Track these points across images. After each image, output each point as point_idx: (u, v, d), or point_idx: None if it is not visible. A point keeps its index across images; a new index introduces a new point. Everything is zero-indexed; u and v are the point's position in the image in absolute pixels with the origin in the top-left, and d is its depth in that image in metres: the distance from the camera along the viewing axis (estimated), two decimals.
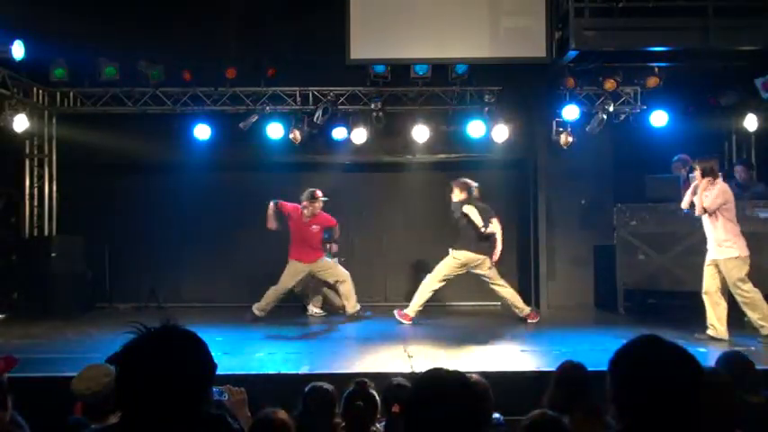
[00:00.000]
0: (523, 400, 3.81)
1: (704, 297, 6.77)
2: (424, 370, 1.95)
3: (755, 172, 8.92)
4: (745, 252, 6.58)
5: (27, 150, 9.66)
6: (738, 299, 6.60)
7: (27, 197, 9.63)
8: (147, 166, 9.71)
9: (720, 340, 6.56)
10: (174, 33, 9.09)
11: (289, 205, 8.58)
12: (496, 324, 8.09)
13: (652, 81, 9.09)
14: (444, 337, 7.20)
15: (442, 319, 8.52)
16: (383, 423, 3.34)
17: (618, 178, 9.53)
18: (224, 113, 9.51)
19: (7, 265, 9.28)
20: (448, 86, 9.43)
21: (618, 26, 7.78)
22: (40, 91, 9.43)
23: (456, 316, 8.83)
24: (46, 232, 9.68)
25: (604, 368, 1.86)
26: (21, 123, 8.37)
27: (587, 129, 9.31)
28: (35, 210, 9.68)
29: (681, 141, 8.96)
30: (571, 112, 9.15)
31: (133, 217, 9.71)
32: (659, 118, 9.28)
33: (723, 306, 6.70)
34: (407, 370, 5.33)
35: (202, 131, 9.30)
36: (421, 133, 9.44)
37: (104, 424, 2.83)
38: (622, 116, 9.54)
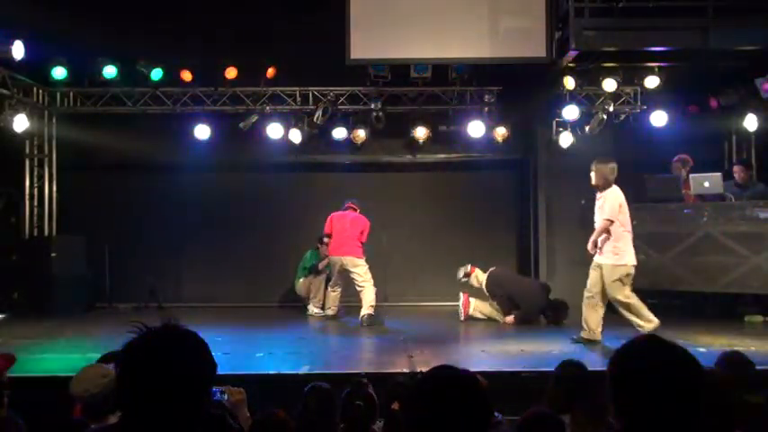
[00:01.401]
0: (523, 400, 3.81)
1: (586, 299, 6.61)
2: (426, 369, 1.94)
3: (755, 172, 8.92)
4: (631, 261, 6.43)
5: (27, 150, 9.65)
6: (617, 305, 6.44)
7: (27, 197, 9.62)
8: (147, 166, 9.71)
9: (594, 341, 6.46)
10: (174, 33, 9.08)
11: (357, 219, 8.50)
12: (496, 324, 8.09)
13: (652, 81, 9.09)
14: (444, 337, 7.20)
15: (441, 319, 8.51)
16: (383, 422, 3.34)
17: (618, 178, 9.51)
18: (224, 113, 9.51)
19: (7, 265, 9.27)
20: (448, 86, 9.43)
21: (618, 26, 7.78)
22: (40, 91, 9.43)
23: (455, 316, 8.82)
24: (46, 232, 9.68)
25: (604, 368, 1.86)
26: (21, 123, 8.37)
27: (587, 129, 9.31)
28: (35, 210, 9.67)
29: (681, 141, 8.96)
30: (571, 113, 9.15)
31: (133, 217, 9.71)
32: (659, 118, 9.28)
33: (601, 310, 6.55)
34: (408, 370, 5.33)
35: (202, 131, 9.30)
36: (421, 133, 9.45)
37: (104, 424, 2.82)
38: (622, 116, 9.54)
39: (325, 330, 7.89)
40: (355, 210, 8.56)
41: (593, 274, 6.57)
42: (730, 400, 2.52)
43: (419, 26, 8.27)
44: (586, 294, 6.58)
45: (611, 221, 6.40)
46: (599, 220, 6.53)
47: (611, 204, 6.44)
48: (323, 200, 9.84)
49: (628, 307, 6.42)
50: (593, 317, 6.52)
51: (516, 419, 2.80)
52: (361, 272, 8.22)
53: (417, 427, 1.79)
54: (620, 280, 6.39)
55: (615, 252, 6.41)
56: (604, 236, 6.44)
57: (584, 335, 6.54)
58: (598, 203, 6.62)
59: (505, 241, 10.17)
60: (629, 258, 6.44)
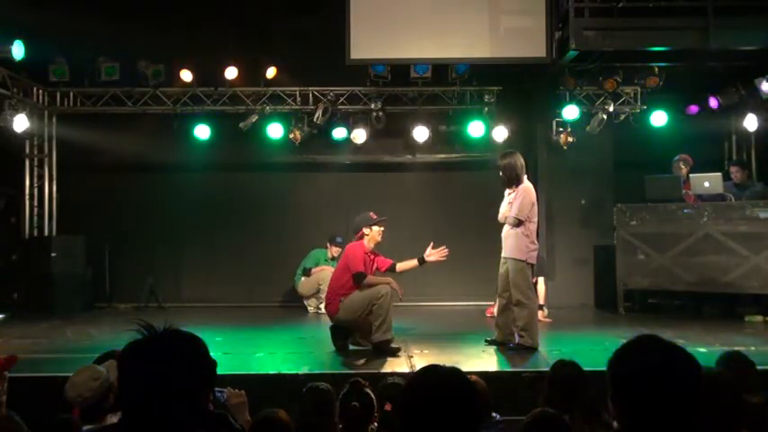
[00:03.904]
0: (522, 400, 3.82)
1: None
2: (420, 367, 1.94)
3: (755, 172, 8.93)
4: (525, 257, 6.08)
5: (27, 150, 9.65)
6: (513, 299, 6.09)
7: (27, 197, 9.62)
8: (147, 166, 9.70)
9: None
10: (174, 33, 9.09)
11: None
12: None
13: (652, 81, 9.09)
14: (444, 337, 7.20)
15: (441, 319, 8.52)
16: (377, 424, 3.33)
17: (618, 178, 9.53)
18: (224, 113, 9.52)
19: (7, 265, 9.28)
20: (448, 86, 9.43)
21: (618, 26, 7.78)
22: (40, 91, 9.43)
23: (455, 316, 8.83)
24: (46, 232, 9.68)
25: (603, 368, 1.86)
26: (21, 123, 8.36)
27: (587, 129, 9.31)
28: (35, 210, 9.67)
29: (681, 141, 8.97)
30: (571, 112, 9.15)
31: (133, 217, 9.71)
32: (659, 118, 9.29)
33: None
34: (407, 370, 5.32)
35: (202, 131, 9.31)
36: (421, 133, 9.45)
37: (102, 424, 2.83)
38: (622, 116, 9.54)
39: (325, 330, 7.87)
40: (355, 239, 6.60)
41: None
42: (731, 399, 2.52)
43: (419, 26, 8.27)
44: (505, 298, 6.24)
45: (521, 221, 6.07)
46: (509, 217, 6.13)
47: (523, 203, 6.07)
48: (323, 200, 9.86)
49: (529, 310, 6.06)
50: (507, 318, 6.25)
51: (517, 419, 2.80)
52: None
53: (408, 427, 1.79)
54: (524, 277, 6.10)
55: (525, 248, 6.09)
56: (512, 231, 6.13)
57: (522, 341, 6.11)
58: (509, 198, 6.24)
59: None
60: (532, 256, 6.17)
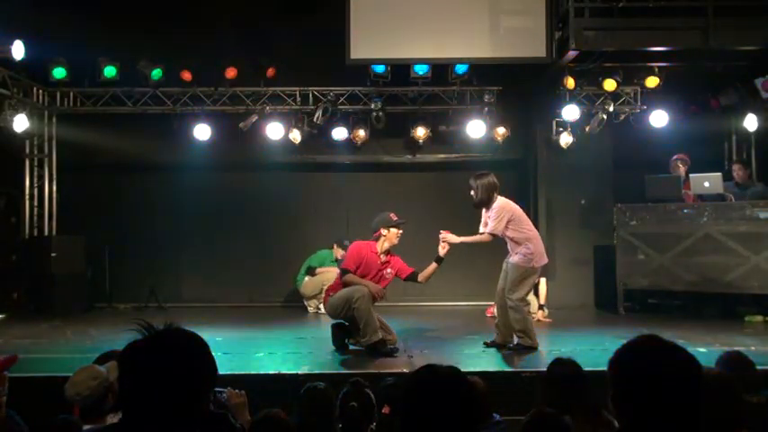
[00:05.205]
0: (522, 400, 3.81)
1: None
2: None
3: (755, 172, 8.92)
4: (530, 264, 6.08)
5: (27, 150, 9.65)
6: (508, 302, 6.08)
7: (27, 197, 9.62)
8: (147, 166, 9.71)
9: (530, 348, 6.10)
10: (174, 33, 9.09)
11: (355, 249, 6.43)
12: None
13: (652, 81, 9.09)
14: (444, 337, 7.20)
15: (441, 319, 8.51)
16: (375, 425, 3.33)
17: (618, 178, 9.53)
18: (224, 113, 9.52)
19: (7, 265, 9.28)
20: (448, 86, 9.43)
21: (618, 26, 7.79)
22: (40, 91, 9.44)
23: (455, 316, 8.83)
24: (46, 232, 9.68)
25: (604, 368, 1.86)
26: (21, 123, 8.36)
27: (587, 129, 9.31)
28: (35, 210, 9.67)
29: (681, 141, 8.97)
30: (571, 112, 9.14)
31: (133, 217, 9.71)
32: (659, 118, 9.28)
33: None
34: (407, 370, 5.32)
35: (202, 131, 9.30)
36: (421, 133, 9.45)
37: (102, 424, 2.82)
38: (622, 116, 9.54)
39: (325, 330, 7.87)
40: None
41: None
42: (731, 399, 2.52)
43: (419, 26, 8.28)
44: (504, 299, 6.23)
45: (493, 236, 6.12)
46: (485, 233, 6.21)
47: (497, 220, 6.09)
48: (323, 200, 9.86)
49: (522, 314, 6.08)
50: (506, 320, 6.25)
51: (517, 419, 2.80)
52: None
53: (408, 427, 1.79)
54: (521, 283, 6.10)
55: (526, 257, 6.09)
56: (512, 243, 6.16)
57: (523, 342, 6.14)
58: (485, 217, 6.29)
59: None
60: (538, 261, 6.15)
